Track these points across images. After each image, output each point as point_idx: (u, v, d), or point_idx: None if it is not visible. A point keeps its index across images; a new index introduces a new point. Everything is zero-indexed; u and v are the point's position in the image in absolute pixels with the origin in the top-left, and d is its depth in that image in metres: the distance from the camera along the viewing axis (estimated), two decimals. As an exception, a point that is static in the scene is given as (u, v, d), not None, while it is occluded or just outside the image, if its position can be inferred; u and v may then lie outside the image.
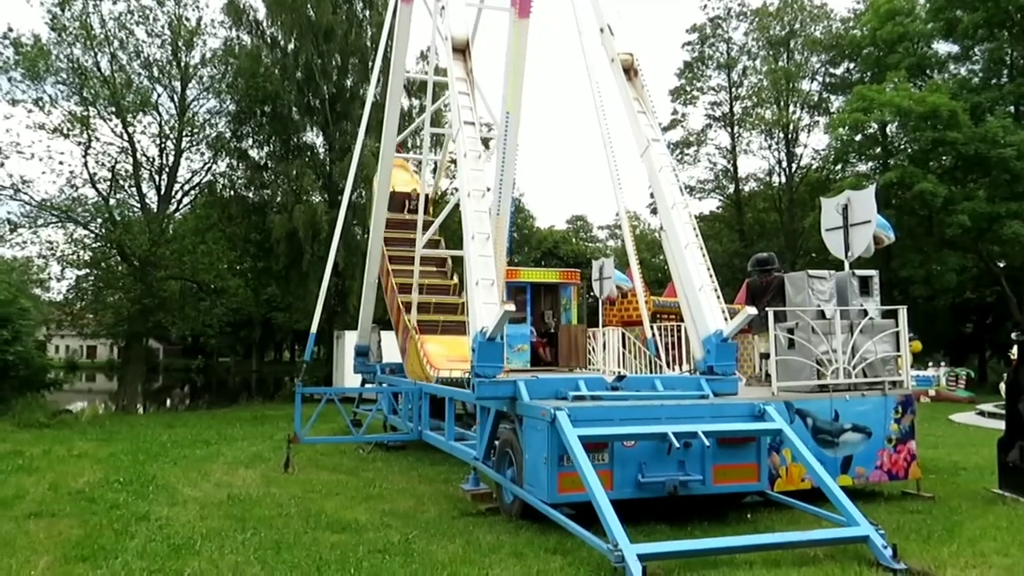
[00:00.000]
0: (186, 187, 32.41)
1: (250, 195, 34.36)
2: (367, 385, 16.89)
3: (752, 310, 8.99)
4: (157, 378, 63.71)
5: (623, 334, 15.65)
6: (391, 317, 16.52)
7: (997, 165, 30.16)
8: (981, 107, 32.64)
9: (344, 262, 29.87)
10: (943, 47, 37.51)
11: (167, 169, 30.88)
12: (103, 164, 29.36)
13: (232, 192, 33.99)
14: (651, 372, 13.94)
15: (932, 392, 27.21)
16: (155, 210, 30.21)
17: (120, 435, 17.03)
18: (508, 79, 15.01)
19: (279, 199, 33.25)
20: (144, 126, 29.93)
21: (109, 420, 22.40)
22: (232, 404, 32.36)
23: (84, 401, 35.37)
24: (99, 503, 9.09)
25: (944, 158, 32.80)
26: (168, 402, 38.77)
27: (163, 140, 30.50)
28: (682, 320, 11.47)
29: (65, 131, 27.93)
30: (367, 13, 33.79)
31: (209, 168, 32.78)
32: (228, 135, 32.69)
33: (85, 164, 28.76)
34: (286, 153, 33.91)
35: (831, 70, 44.45)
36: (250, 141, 34.12)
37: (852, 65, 42.20)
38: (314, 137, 34.98)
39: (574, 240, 64.67)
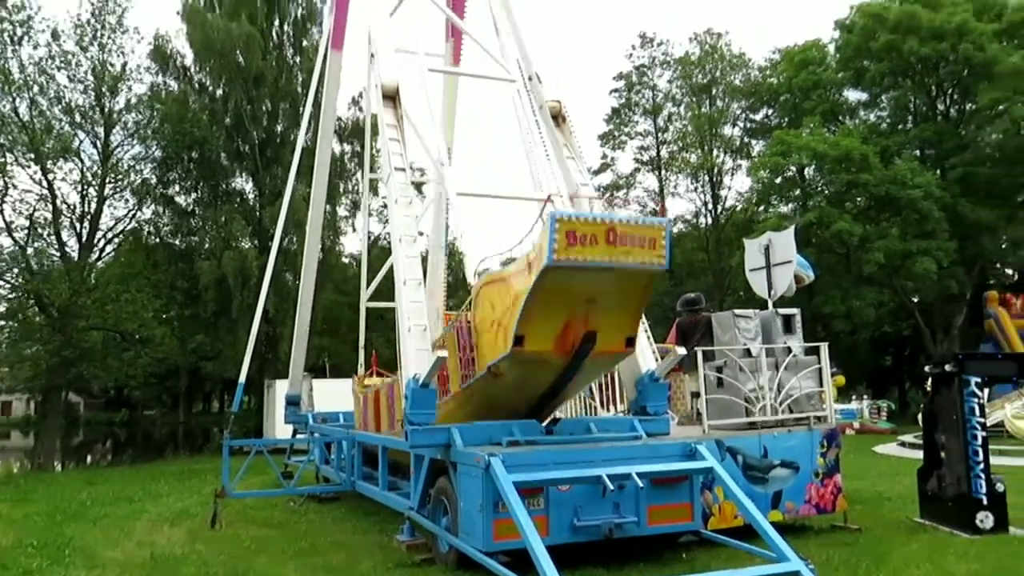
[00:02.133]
0: (109, 234, 31.52)
1: (177, 242, 33.62)
2: (298, 435, 16.50)
3: (682, 350, 9.20)
4: (77, 433, 60.82)
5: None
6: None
7: (907, 205, 31.72)
8: (890, 151, 34.39)
9: (275, 308, 29.40)
10: (853, 94, 39.58)
11: (89, 216, 29.97)
12: (20, 212, 28.36)
13: (158, 239, 33.20)
14: (585, 414, 14.03)
15: (856, 425, 28.08)
16: (76, 258, 29.20)
17: (36, 495, 16.14)
18: (440, 124, 15.21)
19: (207, 245, 32.62)
20: (65, 173, 29.12)
21: (24, 479, 21.25)
22: (157, 458, 31.15)
23: (-4, 460, 33.56)
24: (11, 569, 8.58)
25: (858, 199, 34.34)
26: (89, 458, 37.01)
27: (85, 187, 29.67)
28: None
29: (-21, 179, 26.93)
30: (297, 59, 33.87)
31: (134, 215, 32.01)
32: (154, 181, 32.02)
33: (1, 212, 27.72)
34: (214, 199, 33.38)
35: (751, 116, 46.28)
36: (177, 187, 33.52)
37: (771, 111, 44.05)
38: (243, 182, 34.60)
39: (509, 282, 64.97)
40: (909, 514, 10.06)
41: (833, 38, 39.31)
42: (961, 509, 9.07)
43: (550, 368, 7.73)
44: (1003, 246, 36.28)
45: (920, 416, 17.04)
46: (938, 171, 34.16)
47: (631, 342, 7.78)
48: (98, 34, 29.43)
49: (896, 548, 8.39)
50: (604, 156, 49.63)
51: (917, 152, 35.97)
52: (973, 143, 34.34)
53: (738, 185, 49.37)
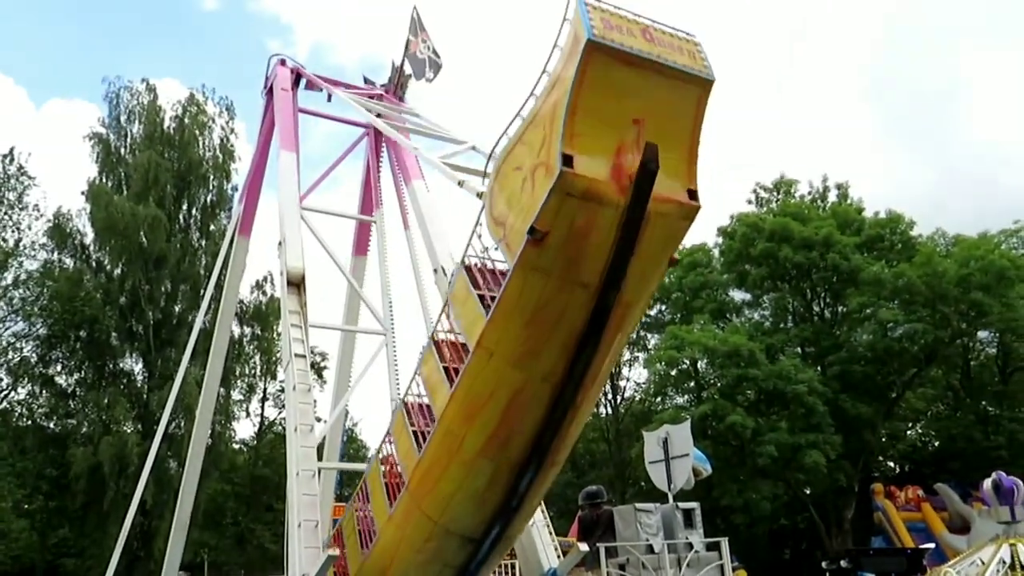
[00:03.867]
0: (-26, 416, 29.17)
1: (50, 425, 31.43)
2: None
3: (584, 547, 9.01)
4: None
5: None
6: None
7: (793, 399, 33.20)
8: (774, 347, 36.47)
9: (153, 499, 27.30)
10: (738, 294, 42.35)
11: (-47, 396, 27.85)
12: None
13: (30, 421, 30.89)
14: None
15: (762, 624, 27.47)
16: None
17: None
18: (345, 310, 15.30)
19: (85, 429, 30.56)
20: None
21: None
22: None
23: None
24: None
25: (749, 392, 35.78)
26: None
27: (-47, 365, 27.79)
28: (515, 557, 11.22)
29: None
30: (203, 242, 33.92)
31: (6, 395, 29.93)
32: (34, 360, 30.33)
33: None
34: (99, 379, 31.73)
35: (647, 311, 48.59)
36: (59, 367, 31.82)
37: (664, 307, 46.40)
38: (133, 363, 33.22)
39: (408, 471, 62.94)
40: None
41: (717, 243, 42.61)
42: None
43: (608, 223, 6.08)
44: (883, 439, 38.10)
45: (821, 614, 16.92)
46: (819, 368, 36.25)
47: (693, 195, 6.40)
48: (-6, 209, 28.92)
49: None
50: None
51: (799, 349, 38.26)
52: (847, 342, 36.85)
53: (636, 376, 51.03)
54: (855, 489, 35.22)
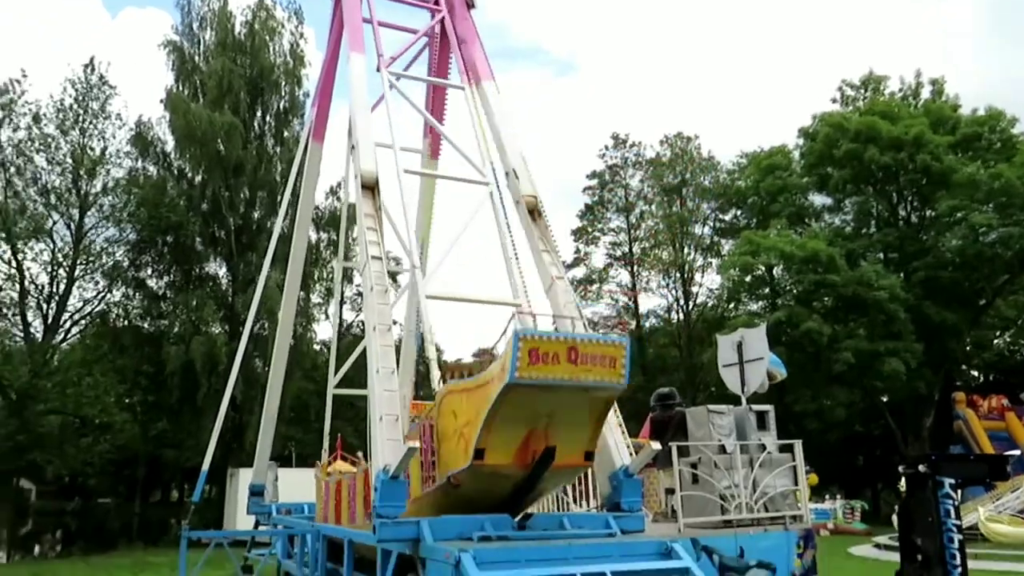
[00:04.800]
0: (76, 316, 31.03)
1: (145, 325, 33.15)
2: (261, 527, 15.90)
3: (656, 445, 9.10)
4: (26, 522, 58.02)
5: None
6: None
7: (873, 306, 32.38)
8: (854, 253, 35.35)
9: (242, 396, 28.83)
10: (818, 199, 40.93)
11: (57, 297, 29.56)
12: (-15, 291, 27.93)
13: (126, 322, 32.71)
14: (558, 510, 13.72)
15: (830, 525, 27.72)
16: (40, 340, 28.59)
17: (-25, 590, 15.27)
18: (419, 216, 15.41)
19: (176, 330, 32.18)
20: (35, 253, 28.85)
21: (-36, 572, 20.14)
22: (110, 550, 29.70)
23: (-64, 551, 31.81)
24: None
25: (826, 299, 35.02)
26: (37, 548, 35.24)
27: (55, 268, 29.38)
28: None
29: (-54, 257, 26.63)
30: (278, 149, 34.37)
31: (103, 297, 31.65)
32: (126, 264, 31.83)
33: (-35, 291, 27.27)
34: (187, 283, 33.16)
35: (720, 216, 47.52)
36: (149, 270, 33.33)
37: (739, 212, 45.30)
38: (217, 268, 34.48)
39: (480, 374, 64.56)
40: (887, 619, 9.83)
41: (797, 144, 40.94)
42: (940, 614, 8.88)
43: (509, 480, 7.81)
44: (968, 348, 36.95)
45: (895, 517, 16.89)
46: (902, 274, 35.07)
47: (590, 456, 7.97)
48: (80, 118, 29.82)
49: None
50: (577, 251, 50.44)
51: (881, 255, 37.00)
52: (934, 248, 35.44)
53: (709, 282, 50.34)
54: (935, 398, 34.53)
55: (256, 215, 33.83)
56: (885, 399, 36.04)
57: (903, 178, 36.17)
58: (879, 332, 32.56)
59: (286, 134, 34.89)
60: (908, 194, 37.56)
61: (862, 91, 41.11)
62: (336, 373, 14.92)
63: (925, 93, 39.93)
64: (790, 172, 39.88)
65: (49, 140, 29.01)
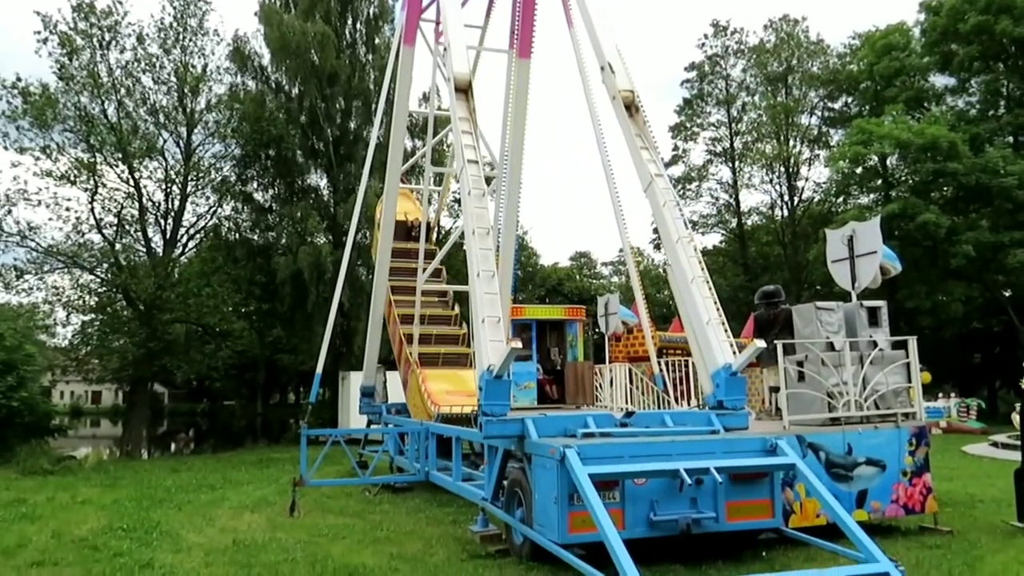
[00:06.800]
0: (191, 231, 32.63)
1: (255, 237, 34.57)
2: (373, 426, 16.75)
3: (761, 343, 8.90)
4: (162, 422, 63.38)
5: (630, 370, 15.55)
6: (393, 347, 16.48)
7: (999, 195, 30.23)
8: (980, 138, 32.82)
9: (349, 303, 29.91)
10: (940, 80, 37.90)
11: (172, 213, 31.09)
12: (109, 210, 29.60)
13: (237, 235, 34.19)
14: (659, 408, 13.81)
15: (943, 424, 26.93)
16: (160, 254, 30.35)
17: (124, 481, 16.87)
18: (510, 118, 15.19)
19: (283, 241, 33.45)
20: (150, 171, 30.24)
21: (113, 466, 22.23)
22: (237, 448, 32.13)
23: (88, 447, 35.21)
24: (102, 551, 8.96)
25: (945, 189, 32.90)
26: (173, 446, 38.51)
27: (169, 185, 30.77)
28: (689, 355, 11.40)
29: (72, 178, 28.20)
30: (370, 57, 34.30)
31: (214, 212, 33.04)
32: (233, 179, 32.98)
33: (91, 210, 28.97)
34: (290, 195, 34.18)
35: (829, 104, 44.83)
36: (255, 184, 34.43)
37: (850, 99, 42.58)
38: (318, 179, 35.31)
39: (578, 277, 64.58)
40: (1005, 518, 9.56)
41: (918, 21, 37.74)
42: (1064, 513, 8.57)
43: None
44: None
45: (1015, 415, 16.19)
46: (1032, 159, 32.43)
47: None
48: (180, 37, 30.49)
49: (991, 553, 7.98)
50: (675, 148, 48.89)
51: (1010, 139, 34.21)
52: (1071, 128, 32.52)
53: (815, 176, 47.78)
54: (1065, 291, 32.35)
55: (352, 125, 34.19)
56: (1008, 294, 34.04)
57: (1039, 51, 33.00)
58: (1004, 222, 30.49)
59: (377, 41, 34.72)
60: (1044, 69, 34.28)
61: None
62: (424, 272, 15.35)
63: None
64: (908, 52, 36.93)
65: (153, 60, 29.87)
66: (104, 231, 29.59)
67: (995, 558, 7.72)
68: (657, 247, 48.92)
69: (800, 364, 9.74)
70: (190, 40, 30.70)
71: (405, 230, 18.09)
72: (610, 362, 16.52)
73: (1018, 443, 9.85)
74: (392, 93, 16.47)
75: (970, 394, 37.77)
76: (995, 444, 20.27)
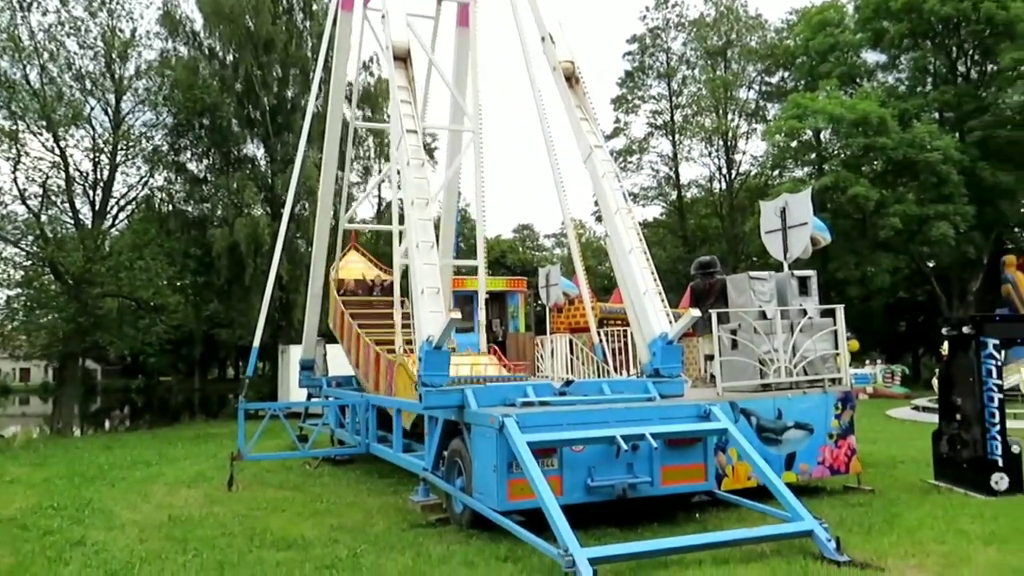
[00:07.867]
0: (122, 202, 31.62)
1: (189, 209, 33.71)
2: (313, 399, 16.60)
3: (696, 312, 9.11)
4: (95, 400, 61.61)
5: (571, 340, 15.70)
6: (361, 361, 15.98)
7: (924, 169, 31.29)
8: (908, 113, 33.84)
9: (287, 275, 29.48)
10: (871, 56, 38.88)
11: (102, 184, 30.03)
12: (33, 180, 28.43)
13: (171, 206, 33.29)
14: (599, 377, 14.02)
15: (870, 389, 27.98)
16: (90, 226, 29.31)
17: (55, 459, 16.39)
18: (452, 88, 15.05)
19: (219, 213, 32.69)
20: (77, 140, 29.08)
21: (44, 444, 21.58)
22: (174, 423, 31.54)
23: (17, 425, 34.06)
24: (31, 530, 8.73)
25: (875, 162, 33.90)
26: (107, 423, 37.57)
27: (97, 154, 29.65)
28: (628, 325, 11.59)
29: (-8, 146, 26.96)
30: (308, 24, 33.56)
31: (146, 182, 32.05)
32: (165, 148, 32.01)
33: (14, 180, 27.78)
34: (226, 166, 33.35)
35: (767, 79, 45.59)
36: (188, 154, 33.52)
37: (787, 74, 43.36)
38: (255, 149, 34.52)
39: (520, 249, 64.85)
40: (923, 476, 10.04)
41: (852, -3, 38.56)
42: (976, 471, 9.04)
43: None
44: (1022, 210, 35.76)
45: (935, 379, 16.93)
46: (957, 134, 33.61)
47: None
48: (106, -1, 29.23)
49: (910, 509, 8.39)
50: (617, 120, 49.16)
51: (936, 115, 35.39)
52: (994, 105, 33.71)
53: (753, 149, 48.69)
54: (984, 262, 33.79)
55: (290, 94, 33.45)
56: (931, 264, 35.43)
57: (964, 30, 34.07)
58: (929, 196, 31.62)
59: (315, 7, 33.94)
60: (969, 47, 35.43)
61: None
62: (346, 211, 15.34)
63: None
64: (843, 28, 37.75)
65: (78, 23, 28.61)
66: (28, 202, 28.46)
67: (912, 514, 8.12)
68: (598, 219, 49.24)
69: (734, 332, 9.99)
70: (117, 3, 29.50)
71: (366, 288, 17.55)
72: (551, 333, 16.66)
73: (937, 407, 10.33)
74: (330, 61, 16.12)
75: (896, 361, 39.33)
76: (917, 408, 21.20)
